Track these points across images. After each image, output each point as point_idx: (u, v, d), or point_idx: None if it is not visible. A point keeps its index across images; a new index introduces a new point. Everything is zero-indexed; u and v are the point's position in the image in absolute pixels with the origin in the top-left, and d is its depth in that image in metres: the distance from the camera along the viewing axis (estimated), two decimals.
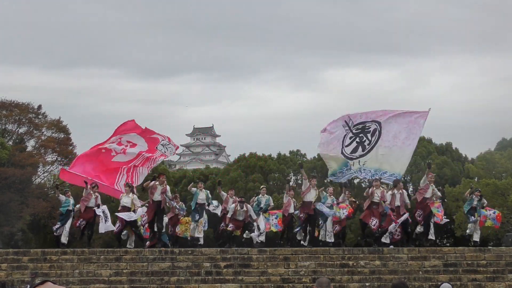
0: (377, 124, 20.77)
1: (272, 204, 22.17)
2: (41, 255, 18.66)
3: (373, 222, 19.44)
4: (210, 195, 22.43)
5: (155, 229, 19.99)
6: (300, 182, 50.80)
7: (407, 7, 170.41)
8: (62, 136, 48.91)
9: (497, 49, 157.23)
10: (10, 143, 47.39)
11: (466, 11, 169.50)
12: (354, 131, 20.89)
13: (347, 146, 20.90)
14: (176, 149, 22.80)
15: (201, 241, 21.35)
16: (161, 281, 18.06)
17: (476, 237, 20.58)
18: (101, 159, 21.85)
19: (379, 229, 19.59)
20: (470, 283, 17.88)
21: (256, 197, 21.83)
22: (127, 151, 21.84)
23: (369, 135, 20.79)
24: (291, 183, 59.90)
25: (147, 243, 20.79)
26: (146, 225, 20.85)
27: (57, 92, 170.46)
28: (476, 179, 46.48)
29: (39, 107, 49.19)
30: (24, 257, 18.60)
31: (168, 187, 20.09)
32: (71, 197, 21.49)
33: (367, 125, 20.85)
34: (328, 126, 21.17)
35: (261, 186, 23.06)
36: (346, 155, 20.88)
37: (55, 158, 48.69)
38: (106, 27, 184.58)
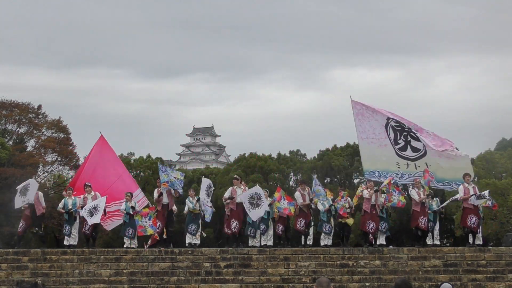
0: (415, 133, 20.85)
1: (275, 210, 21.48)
2: (41, 255, 18.66)
3: (370, 226, 19.54)
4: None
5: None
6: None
7: (412, 7, 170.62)
8: (62, 136, 48.91)
9: (501, 48, 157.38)
10: (10, 143, 47.39)
11: (471, 11, 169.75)
12: (394, 125, 20.93)
13: (396, 142, 20.92)
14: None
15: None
16: (161, 281, 18.06)
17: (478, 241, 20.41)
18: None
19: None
20: (470, 283, 17.89)
21: None
22: None
23: (413, 140, 20.80)
24: (291, 184, 59.99)
25: (149, 242, 20.70)
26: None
27: (61, 92, 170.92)
28: (476, 179, 46.49)
29: (39, 107, 49.21)
30: (24, 257, 18.60)
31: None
32: (72, 197, 20.91)
33: (407, 128, 20.92)
34: (364, 108, 21.20)
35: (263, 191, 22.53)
36: (398, 152, 20.92)
37: (55, 158, 48.68)
38: (111, 27, 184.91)
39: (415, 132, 20.85)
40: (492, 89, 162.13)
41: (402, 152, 20.95)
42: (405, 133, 20.95)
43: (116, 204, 21.44)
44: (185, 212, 21.43)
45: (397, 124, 21.09)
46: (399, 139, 20.99)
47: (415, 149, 20.84)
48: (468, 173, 20.08)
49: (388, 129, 21.09)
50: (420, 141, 20.76)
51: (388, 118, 21.13)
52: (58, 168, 49.77)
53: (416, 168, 20.75)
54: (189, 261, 18.42)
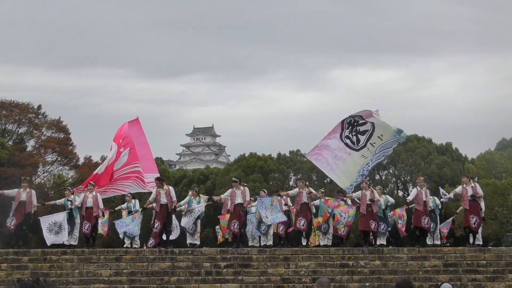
0: (358, 119, 20.92)
1: None
2: (41, 255, 18.65)
3: (373, 225, 19.50)
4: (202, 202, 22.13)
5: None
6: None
7: (412, 7, 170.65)
8: (62, 136, 48.99)
9: (502, 49, 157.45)
10: (10, 143, 47.43)
11: (472, 11, 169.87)
12: (346, 134, 20.94)
13: (352, 143, 20.89)
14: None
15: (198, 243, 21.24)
16: (161, 281, 18.06)
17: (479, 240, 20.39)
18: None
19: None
20: (470, 283, 17.88)
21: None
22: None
23: (360, 126, 20.74)
24: (291, 184, 60.02)
25: (151, 243, 20.65)
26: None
27: (61, 92, 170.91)
28: (476, 179, 46.52)
29: (39, 107, 49.31)
30: (24, 257, 18.60)
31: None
32: (71, 196, 20.97)
33: (349, 120, 20.92)
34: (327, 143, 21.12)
35: (261, 191, 22.49)
36: (357, 148, 20.86)
37: (55, 158, 48.74)
38: (111, 27, 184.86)
39: (356, 116, 20.80)
40: (492, 89, 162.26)
41: (359, 144, 20.90)
42: (351, 128, 20.83)
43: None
44: (182, 208, 21.41)
45: (347, 126, 20.95)
46: (352, 137, 20.93)
47: (364, 132, 20.68)
48: (465, 174, 20.17)
49: (343, 138, 20.97)
50: (364, 120, 20.68)
51: (343, 122, 20.93)
52: (58, 168, 49.88)
53: (374, 146, 20.69)
54: (189, 261, 18.42)
